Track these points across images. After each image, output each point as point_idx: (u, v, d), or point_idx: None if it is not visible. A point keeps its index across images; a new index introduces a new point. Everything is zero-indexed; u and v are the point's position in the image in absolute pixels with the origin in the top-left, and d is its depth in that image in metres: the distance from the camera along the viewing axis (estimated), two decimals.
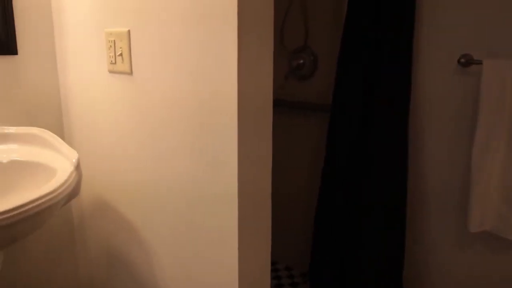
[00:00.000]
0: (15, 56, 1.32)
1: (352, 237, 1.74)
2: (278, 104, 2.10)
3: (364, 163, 1.67)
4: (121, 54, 1.14)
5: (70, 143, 1.46)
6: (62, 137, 1.47)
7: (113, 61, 1.17)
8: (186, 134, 1.03)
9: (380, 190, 1.64)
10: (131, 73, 1.14)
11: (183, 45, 0.98)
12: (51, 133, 1.25)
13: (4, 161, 1.16)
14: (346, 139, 1.70)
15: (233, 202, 0.96)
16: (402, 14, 1.54)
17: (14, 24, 1.30)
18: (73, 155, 1.12)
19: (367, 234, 1.68)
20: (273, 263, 2.28)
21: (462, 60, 1.54)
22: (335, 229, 1.78)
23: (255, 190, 0.99)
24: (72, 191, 1.07)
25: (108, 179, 1.34)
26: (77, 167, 1.10)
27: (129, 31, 1.11)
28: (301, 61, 2.04)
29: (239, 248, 0.98)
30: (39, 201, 0.91)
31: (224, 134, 0.94)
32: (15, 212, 0.87)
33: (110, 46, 1.17)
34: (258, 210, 1.02)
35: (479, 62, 1.49)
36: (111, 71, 1.20)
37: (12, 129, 1.27)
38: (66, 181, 1.02)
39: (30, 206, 0.89)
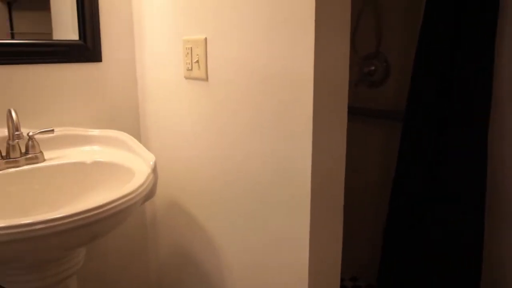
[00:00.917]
0: (100, 63, 1.41)
1: (424, 251, 1.67)
2: (348, 111, 2.07)
3: (439, 174, 1.60)
4: (197, 61, 1.18)
5: (146, 145, 1.53)
6: (138, 139, 1.54)
7: (190, 68, 1.21)
8: (261, 138, 1.04)
9: (456, 202, 1.56)
10: (206, 79, 1.17)
11: (258, 52, 1.00)
12: (130, 136, 1.32)
13: (88, 161, 1.24)
14: (420, 148, 1.64)
15: (305, 207, 0.95)
16: (483, 15, 1.46)
17: (100, 35, 1.39)
18: (150, 158, 1.18)
19: (440, 249, 1.61)
20: None
21: None
22: (405, 241, 1.72)
23: (328, 195, 0.98)
24: (149, 193, 1.12)
25: (181, 181, 1.38)
26: (154, 169, 1.15)
27: (205, 38, 1.15)
28: (373, 68, 2.00)
29: (310, 251, 0.97)
30: (119, 201, 0.96)
31: (299, 139, 0.94)
32: (97, 211, 0.92)
33: (187, 53, 1.21)
34: (331, 214, 1.01)
35: None
36: (187, 77, 1.25)
37: (95, 132, 1.36)
38: (143, 182, 1.06)
39: (111, 205, 0.94)
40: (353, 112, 2.06)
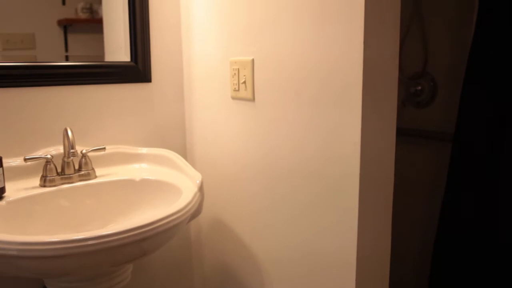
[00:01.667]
0: (149, 83, 1.45)
1: (477, 283, 1.60)
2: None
3: (492, 198, 1.54)
4: (244, 82, 1.20)
5: (191, 163, 1.55)
6: (184, 156, 1.57)
7: (237, 88, 1.23)
8: (306, 161, 1.04)
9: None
10: (253, 99, 1.18)
11: (304, 73, 1.01)
12: (177, 154, 1.34)
13: (137, 179, 1.27)
14: (471, 171, 1.58)
15: (352, 229, 0.94)
16: None
17: (150, 56, 1.44)
18: (197, 176, 1.19)
19: (496, 280, 1.54)
20: None
21: None
22: (455, 270, 1.66)
23: (376, 221, 0.97)
24: (196, 211, 1.13)
25: (225, 198, 1.39)
26: (201, 188, 1.17)
27: (253, 59, 1.16)
28: (419, 88, 1.96)
29: (356, 275, 0.96)
30: (168, 219, 0.98)
31: (346, 163, 0.93)
32: (147, 229, 0.94)
33: (234, 74, 1.23)
34: (378, 238, 0.99)
35: None
36: (234, 98, 1.27)
37: (144, 150, 1.39)
38: (191, 201, 1.08)
39: (161, 223, 0.96)
40: (398, 132, 2.02)
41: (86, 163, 1.25)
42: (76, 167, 1.24)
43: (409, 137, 2.03)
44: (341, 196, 0.96)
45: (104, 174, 1.29)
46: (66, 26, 1.33)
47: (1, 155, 1.12)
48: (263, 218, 1.22)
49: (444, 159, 1.90)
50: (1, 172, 1.09)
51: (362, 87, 0.88)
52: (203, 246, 1.58)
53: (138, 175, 1.29)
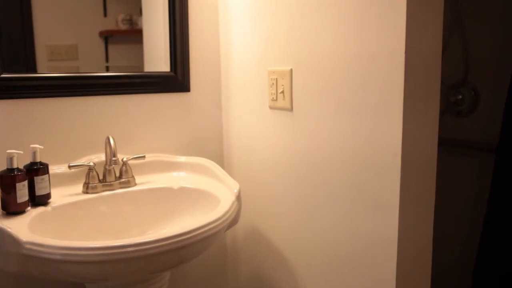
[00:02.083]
0: (188, 93, 1.48)
1: None
2: None
3: None
4: (282, 92, 1.20)
5: (228, 171, 1.56)
6: (222, 165, 1.58)
7: (275, 98, 1.24)
8: (346, 172, 1.03)
9: None
10: (291, 109, 1.18)
11: (343, 83, 1.00)
12: (215, 163, 1.36)
13: (175, 187, 1.29)
14: None
15: (392, 243, 0.92)
16: None
17: (189, 66, 1.46)
18: (235, 185, 1.20)
19: None
20: None
21: None
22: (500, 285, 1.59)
23: (416, 235, 0.94)
24: (233, 220, 1.14)
25: (262, 207, 1.39)
26: (238, 197, 1.18)
27: (291, 69, 1.17)
28: (460, 97, 1.91)
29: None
30: (207, 227, 0.99)
31: (387, 174, 0.92)
32: (186, 236, 0.96)
33: (272, 83, 1.24)
34: (419, 251, 0.97)
35: None
36: (271, 107, 1.27)
37: (182, 158, 1.42)
38: (229, 209, 1.09)
39: (199, 231, 0.97)
40: (438, 142, 1.97)
41: (126, 171, 1.28)
42: (117, 174, 1.27)
43: (449, 147, 1.98)
44: (380, 208, 0.94)
45: (144, 181, 1.32)
46: (107, 37, 1.37)
47: (47, 162, 1.15)
48: (300, 226, 1.22)
49: (486, 169, 1.84)
50: (47, 178, 1.13)
51: (403, 96, 0.86)
52: (239, 254, 1.59)
53: (176, 183, 1.30)
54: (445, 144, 1.97)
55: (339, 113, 1.02)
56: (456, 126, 1.96)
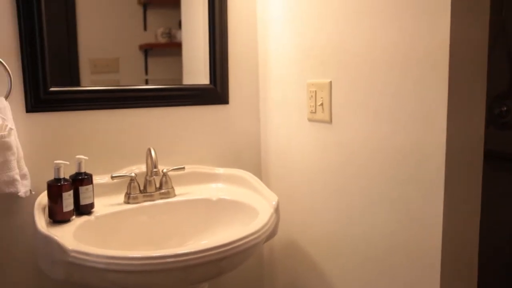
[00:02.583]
0: (227, 105, 1.50)
1: None
2: None
3: None
4: (321, 104, 1.20)
5: (266, 183, 1.56)
6: (259, 176, 1.58)
7: (313, 110, 1.23)
8: (385, 184, 1.01)
9: None
10: (330, 122, 1.18)
11: (383, 95, 0.99)
12: (253, 175, 1.36)
13: (214, 198, 1.30)
14: None
15: (435, 268, 0.90)
16: None
17: (228, 79, 1.48)
18: (273, 198, 1.20)
19: None
20: None
21: None
22: None
23: (460, 249, 0.91)
24: (272, 232, 1.14)
25: (300, 219, 1.38)
26: (276, 209, 1.17)
27: (330, 82, 1.16)
28: (504, 108, 1.85)
29: None
30: (246, 239, 0.99)
31: (429, 186, 0.89)
32: (226, 248, 0.96)
33: (311, 96, 1.23)
34: (463, 269, 0.94)
35: None
36: (310, 120, 1.27)
37: (220, 170, 1.43)
38: (267, 222, 1.09)
39: (239, 243, 0.98)
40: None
41: (166, 182, 1.30)
42: (157, 185, 1.30)
43: (492, 159, 1.92)
44: (423, 225, 0.92)
45: (183, 192, 1.33)
46: (147, 50, 1.40)
47: (91, 173, 1.19)
48: (337, 238, 1.20)
49: None
50: (91, 188, 1.16)
51: (447, 105, 0.85)
52: (276, 266, 1.58)
53: (215, 195, 1.31)
54: (489, 156, 1.91)
55: (379, 124, 1.01)
56: (501, 139, 1.89)
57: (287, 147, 1.42)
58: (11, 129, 1.09)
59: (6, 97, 1.15)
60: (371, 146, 1.04)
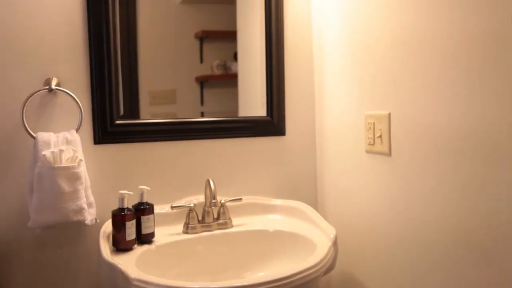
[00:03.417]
0: (283, 136, 1.51)
1: None
2: None
3: None
4: (380, 136, 1.18)
5: (322, 214, 1.53)
6: (315, 208, 1.56)
7: (371, 142, 1.22)
8: (451, 217, 0.97)
9: None
10: (389, 154, 1.16)
11: (444, 128, 0.96)
12: (310, 207, 1.36)
13: (271, 230, 1.30)
14: None
15: None
16: None
17: (285, 111, 1.50)
18: (331, 231, 1.19)
19: None
20: None
21: None
22: None
23: None
24: (330, 266, 1.12)
25: (357, 253, 1.35)
26: (335, 242, 1.16)
27: (389, 114, 1.15)
28: None
29: None
30: (305, 273, 0.98)
31: (499, 224, 0.85)
32: (284, 282, 0.96)
33: (369, 127, 1.22)
34: None
35: None
36: (368, 151, 1.25)
37: (277, 201, 1.43)
38: (326, 255, 1.08)
39: (297, 277, 0.97)
40: None
41: (224, 213, 1.32)
42: (215, 216, 1.32)
43: None
44: (501, 269, 0.87)
45: (240, 223, 1.34)
46: (203, 82, 1.45)
47: (152, 202, 1.23)
48: (399, 273, 1.16)
49: None
50: (153, 218, 1.20)
51: None
52: None
53: (272, 226, 1.32)
54: None
55: (442, 161, 0.98)
56: None
57: (344, 179, 1.40)
58: (81, 160, 1.16)
59: (77, 130, 1.22)
60: (433, 181, 1.01)
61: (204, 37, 1.44)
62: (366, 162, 1.27)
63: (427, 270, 1.05)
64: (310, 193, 1.56)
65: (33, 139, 1.17)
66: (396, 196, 1.15)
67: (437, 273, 1.02)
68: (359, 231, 1.33)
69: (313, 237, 1.20)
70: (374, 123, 1.21)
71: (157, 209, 1.30)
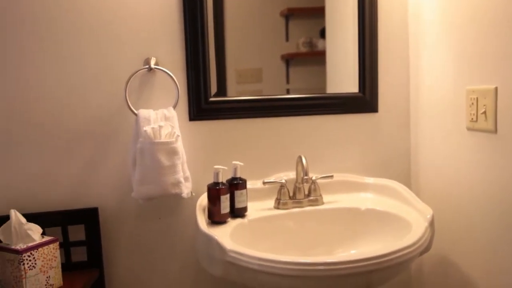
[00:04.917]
0: (375, 113, 1.46)
1: None
2: None
3: None
4: (484, 112, 1.10)
5: (416, 193, 1.47)
6: (408, 187, 1.50)
7: (474, 119, 1.14)
8: None
9: None
10: (495, 131, 1.08)
11: None
12: (404, 186, 1.31)
13: (362, 208, 1.28)
14: None
15: None
16: None
17: (378, 87, 1.45)
18: (427, 211, 1.14)
19: None
20: None
21: None
22: None
23: None
24: (426, 247, 1.08)
25: (455, 234, 1.28)
26: (431, 223, 1.11)
27: (496, 88, 1.06)
28: None
29: None
30: (400, 253, 0.96)
31: None
32: (377, 261, 0.94)
33: (472, 103, 1.14)
34: None
35: None
36: (469, 129, 1.17)
37: (370, 180, 1.40)
38: (422, 236, 1.04)
39: (391, 257, 0.95)
40: None
41: (315, 189, 1.32)
42: (306, 192, 1.32)
43: None
44: None
45: (331, 200, 1.34)
46: (288, 60, 1.44)
47: (245, 178, 1.26)
48: (499, 258, 1.09)
49: None
50: (245, 193, 1.23)
51: None
52: (424, 284, 1.48)
53: (363, 204, 1.29)
54: None
55: None
56: None
57: (441, 157, 1.33)
58: (178, 136, 1.21)
59: (174, 107, 1.28)
60: None
61: (289, 14, 1.43)
62: (467, 139, 1.19)
63: None
64: (402, 171, 1.51)
65: (134, 116, 1.24)
66: (501, 175, 1.07)
67: None
68: (456, 210, 1.27)
69: (407, 217, 1.16)
70: (477, 98, 1.12)
71: (248, 185, 1.33)
